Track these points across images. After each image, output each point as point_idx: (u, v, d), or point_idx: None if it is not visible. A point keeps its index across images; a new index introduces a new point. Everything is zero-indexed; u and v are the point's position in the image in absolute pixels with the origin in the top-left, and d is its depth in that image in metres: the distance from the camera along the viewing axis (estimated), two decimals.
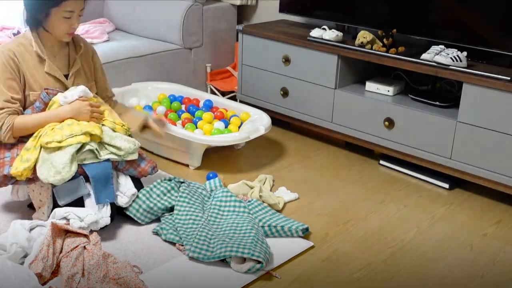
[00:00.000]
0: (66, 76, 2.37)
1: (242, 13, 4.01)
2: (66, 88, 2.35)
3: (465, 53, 2.72)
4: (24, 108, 2.31)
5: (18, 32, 3.41)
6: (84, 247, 1.96)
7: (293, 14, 3.49)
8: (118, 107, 2.61)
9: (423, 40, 2.99)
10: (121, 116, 2.51)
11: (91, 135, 2.23)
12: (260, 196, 2.53)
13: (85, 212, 2.12)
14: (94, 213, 2.13)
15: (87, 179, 2.23)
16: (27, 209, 2.44)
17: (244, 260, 2.10)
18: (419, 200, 2.74)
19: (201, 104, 3.32)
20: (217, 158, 3.08)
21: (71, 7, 2.21)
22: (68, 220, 2.08)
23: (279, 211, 2.54)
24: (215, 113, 3.17)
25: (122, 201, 2.29)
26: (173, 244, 2.23)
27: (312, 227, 2.44)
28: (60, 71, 2.35)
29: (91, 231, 2.11)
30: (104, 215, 2.19)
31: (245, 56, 3.48)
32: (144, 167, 2.38)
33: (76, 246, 1.95)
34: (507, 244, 2.39)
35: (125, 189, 2.30)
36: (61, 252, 1.95)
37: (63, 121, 2.25)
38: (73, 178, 2.17)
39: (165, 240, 2.24)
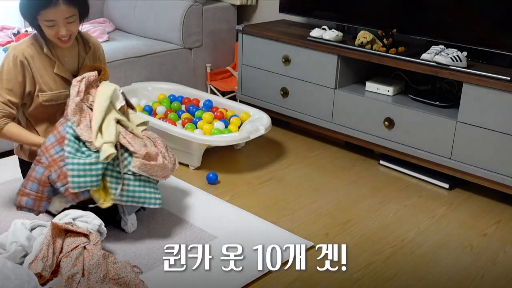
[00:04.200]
0: (76, 76, 2.34)
1: (242, 13, 4.01)
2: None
3: (465, 53, 2.72)
4: (29, 107, 2.30)
5: (18, 32, 3.41)
6: (84, 247, 1.95)
7: (293, 14, 3.49)
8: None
9: (423, 40, 2.99)
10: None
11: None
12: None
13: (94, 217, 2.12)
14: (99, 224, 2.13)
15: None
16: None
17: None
18: (419, 200, 2.74)
19: (201, 104, 3.32)
20: (217, 158, 3.08)
21: (50, 17, 2.14)
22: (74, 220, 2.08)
23: None
24: (215, 113, 3.17)
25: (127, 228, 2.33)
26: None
27: (312, 227, 2.44)
28: (70, 71, 2.33)
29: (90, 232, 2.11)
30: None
31: (245, 56, 3.48)
32: None
33: (76, 246, 1.94)
34: (507, 244, 2.39)
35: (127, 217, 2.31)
36: (61, 252, 1.95)
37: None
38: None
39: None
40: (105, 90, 2.25)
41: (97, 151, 2.12)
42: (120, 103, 2.27)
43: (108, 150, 2.10)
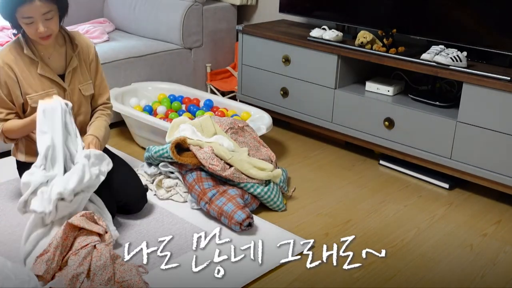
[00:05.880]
0: (63, 76, 2.33)
1: (242, 13, 4.01)
2: (62, 88, 2.32)
3: (465, 53, 2.72)
4: (24, 112, 2.30)
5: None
6: (94, 246, 1.95)
7: (293, 14, 3.49)
8: (96, 124, 2.40)
9: (423, 40, 2.99)
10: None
11: None
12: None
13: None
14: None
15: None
16: None
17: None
18: (419, 200, 2.74)
19: (201, 104, 3.32)
20: None
21: (27, 13, 2.11)
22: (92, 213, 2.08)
23: None
24: (216, 112, 3.17)
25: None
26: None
27: (312, 227, 2.44)
28: (56, 71, 2.31)
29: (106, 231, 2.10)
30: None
31: (245, 56, 3.48)
32: None
33: (86, 245, 1.94)
34: (507, 244, 2.39)
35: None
36: (70, 249, 1.95)
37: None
38: None
39: None
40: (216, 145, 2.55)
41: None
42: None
43: (278, 172, 2.58)
